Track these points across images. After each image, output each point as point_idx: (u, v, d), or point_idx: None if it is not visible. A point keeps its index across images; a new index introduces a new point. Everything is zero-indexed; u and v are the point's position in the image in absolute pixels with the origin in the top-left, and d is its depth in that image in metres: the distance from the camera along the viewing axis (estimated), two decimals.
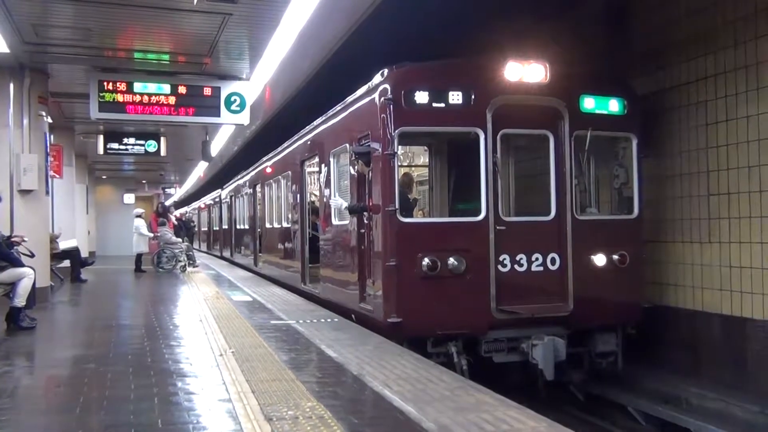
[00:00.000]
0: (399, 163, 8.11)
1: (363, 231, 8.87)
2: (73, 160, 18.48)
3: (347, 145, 9.57)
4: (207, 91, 11.35)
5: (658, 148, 9.41)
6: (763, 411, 7.50)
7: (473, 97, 8.00)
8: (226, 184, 26.68)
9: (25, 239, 9.46)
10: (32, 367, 7.20)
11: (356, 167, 8.95)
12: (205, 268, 20.22)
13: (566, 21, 11.11)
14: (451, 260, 7.78)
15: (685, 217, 9.11)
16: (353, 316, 9.16)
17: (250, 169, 20.09)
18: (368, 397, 5.22)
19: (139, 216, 19.49)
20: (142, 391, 5.45)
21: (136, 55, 10.54)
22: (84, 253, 18.29)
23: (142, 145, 17.25)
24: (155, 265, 18.68)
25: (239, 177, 22.69)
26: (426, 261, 7.74)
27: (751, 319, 8.07)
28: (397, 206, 7.85)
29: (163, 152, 17.58)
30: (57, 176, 15.40)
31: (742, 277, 8.22)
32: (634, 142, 8.72)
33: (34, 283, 8.82)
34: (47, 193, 12.01)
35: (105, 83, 10.88)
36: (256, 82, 11.66)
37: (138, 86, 11.04)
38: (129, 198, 31.04)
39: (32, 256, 9.58)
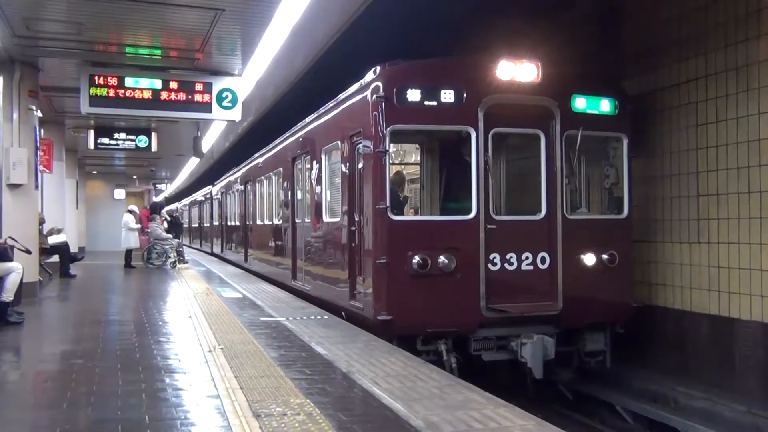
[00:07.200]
0: (390, 161, 8.12)
1: (354, 228, 8.88)
2: (63, 155, 18.34)
3: (338, 142, 9.57)
4: (199, 87, 11.31)
5: (648, 149, 9.45)
6: (750, 410, 7.55)
7: (465, 95, 8.01)
8: (217, 181, 26.62)
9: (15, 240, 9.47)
10: (19, 363, 7.17)
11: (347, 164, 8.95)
12: (195, 265, 20.17)
13: (559, 21, 11.14)
14: (442, 258, 7.79)
15: (674, 218, 9.16)
16: (343, 313, 9.16)
17: (242, 165, 20.05)
18: (357, 394, 5.23)
19: (130, 212, 19.41)
20: (130, 386, 5.43)
21: (128, 49, 10.48)
22: (73, 249, 18.21)
23: (133, 140, 17.14)
24: (145, 261, 18.62)
25: (230, 173, 22.64)
26: (416, 259, 7.75)
27: (739, 319, 8.12)
28: (388, 204, 7.86)
29: (154, 148, 17.47)
30: (47, 171, 15.29)
31: (730, 278, 8.27)
32: (625, 142, 8.76)
33: (21, 278, 8.77)
34: (37, 187, 11.94)
35: (96, 78, 10.80)
36: (248, 78, 11.62)
37: (129, 81, 10.98)
38: (119, 193, 30.88)
39: (29, 252, 9.54)
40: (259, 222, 16.81)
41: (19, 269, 8.69)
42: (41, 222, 14.42)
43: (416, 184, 11.19)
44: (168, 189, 40.37)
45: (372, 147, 8.04)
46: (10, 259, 8.85)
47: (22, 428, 4.63)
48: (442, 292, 7.83)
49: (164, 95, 11.14)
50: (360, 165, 8.69)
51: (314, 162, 11.01)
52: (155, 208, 21.92)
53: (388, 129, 7.87)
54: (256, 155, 17.41)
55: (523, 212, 8.69)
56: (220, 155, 25.11)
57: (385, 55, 8.69)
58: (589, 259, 8.37)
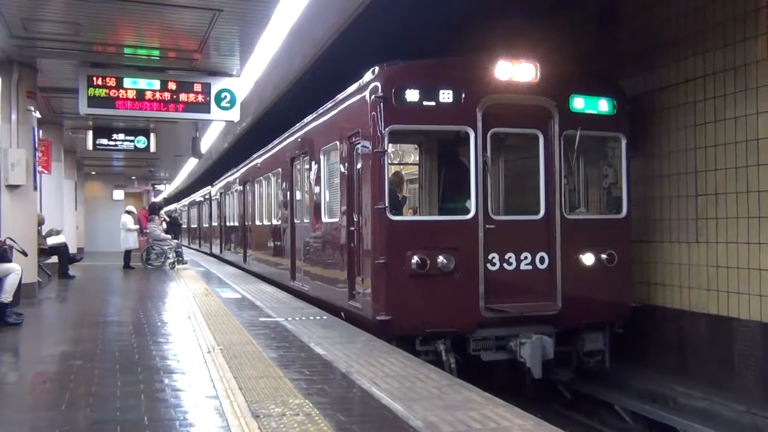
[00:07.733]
0: (389, 161, 8.11)
1: (353, 229, 8.88)
2: (61, 156, 18.32)
3: (337, 142, 9.56)
4: (197, 87, 11.31)
5: (647, 149, 9.45)
6: (749, 410, 7.56)
7: (464, 95, 8.01)
8: (216, 181, 26.62)
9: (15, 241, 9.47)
10: (18, 363, 7.17)
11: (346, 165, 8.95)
12: (194, 265, 20.16)
13: (558, 21, 11.14)
14: (441, 258, 7.79)
15: (673, 217, 9.16)
16: (342, 313, 9.16)
17: (240, 166, 20.05)
18: (356, 394, 5.22)
19: (128, 213, 19.41)
20: (129, 387, 5.42)
21: (126, 50, 10.49)
22: (72, 250, 18.20)
23: (132, 141, 17.15)
24: (144, 262, 18.61)
25: (229, 174, 22.64)
26: (415, 259, 7.75)
27: (737, 318, 8.13)
28: (386, 204, 7.85)
29: (152, 148, 17.47)
30: (45, 171, 15.29)
31: (728, 277, 8.27)
32: (623, 142, 8.76)
33: (20, 279, 8.76)
34: (35, 188, 11.93)
35: (94, 78, 10.81)
36: (246, 78, 11.62)
37: (128, 82, 10.98)
38: (118, 194, 30.86)
39: (26, 255, 9.53)
40: (258, 222, 16.81)
41: (18, 270, 8.68)
42: (40, 223, 14.41)
43: (415, 184, 11.20)
44: (167, 190, 40.35)
45: (370, 147, 8.03)
46: (9, 260, 8.85)
47: (21, 429, 4.63)
48: (441, 292, 7.83)
49: (162, 96, 11.14)
50: (359, 165, 8.69)
51: (313, 162, 11.00)
52: (154, 209, 21.91)
53: (386, 129, 7.87)
54: (255, 156, 17.40)
55: (522, 212, 8.68)
56: (218, 156, 25.11)
57: (384, 55, 8.68)
58: (587, 258, 8.37)
